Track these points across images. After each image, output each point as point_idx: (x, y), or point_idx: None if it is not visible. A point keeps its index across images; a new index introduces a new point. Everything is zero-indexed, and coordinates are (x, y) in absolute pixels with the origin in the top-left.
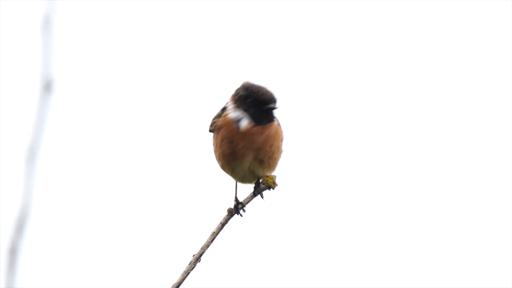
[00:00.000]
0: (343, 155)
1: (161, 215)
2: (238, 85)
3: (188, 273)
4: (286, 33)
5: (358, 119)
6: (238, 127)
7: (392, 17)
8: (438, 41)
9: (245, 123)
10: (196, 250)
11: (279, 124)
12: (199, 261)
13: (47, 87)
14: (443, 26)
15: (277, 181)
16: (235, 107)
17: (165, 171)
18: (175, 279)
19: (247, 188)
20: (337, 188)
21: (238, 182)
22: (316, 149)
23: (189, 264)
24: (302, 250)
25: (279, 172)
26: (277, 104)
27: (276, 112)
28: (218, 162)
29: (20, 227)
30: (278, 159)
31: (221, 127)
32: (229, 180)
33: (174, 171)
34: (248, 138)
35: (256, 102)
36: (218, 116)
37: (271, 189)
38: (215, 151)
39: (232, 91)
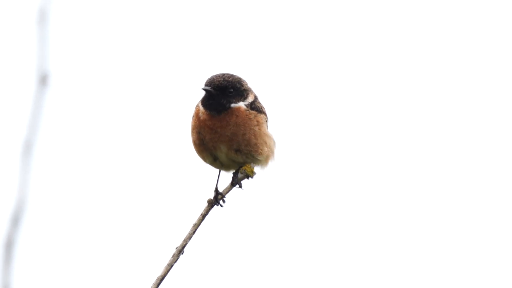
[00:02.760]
0: (327, 148)
1: (142, 209)
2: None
3: (172, 266)
4: (285, 33)
5: (350, 117)
6: (202, 118)
7: (392, 17)
8: (438, 41)
9: (203, 113)
10: (179, 243)
11: (253, 107)
12: (182, 253)
13: (43, 80)
14: (443, 26)
15: (255, 170)
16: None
17: (146, 165)
18: (159, 272)
19: (227, 179)
20: (318, 177)
21: (221, 171)
22: (298, 140)
23: (172, 257)
24: (282, 238)
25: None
26: (214, 87)
27: (227, 96)
28: (193, 147)
29: (16, 221)
30: (262, 144)
31: (192, 117)
32: (210, 170)
33: (155, 165)
34: (213, 131)
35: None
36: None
37: (250, 178)
38: (191, 136)
39: None
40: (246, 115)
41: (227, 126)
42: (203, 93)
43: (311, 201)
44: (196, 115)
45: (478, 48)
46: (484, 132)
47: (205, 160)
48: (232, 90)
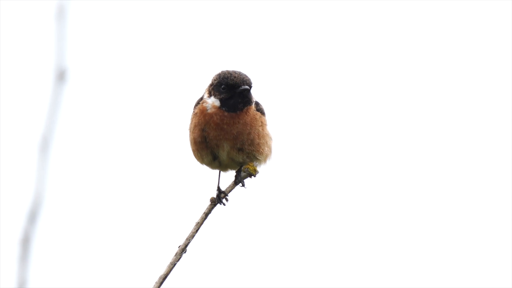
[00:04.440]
0: (328, 145)
1: (146, 207)
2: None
3: (175, 264)
4: (285, 33)
5: (351, 116)
6: (210, 115)
7: (392, 17)
8: (438, 41)
9: (214, 109)
10: (182, 241)
11: (258, 109)
12: (185, 252)
13: (61, 76)
14: (443, 26)
15: (258, 168)
16: (209, 95)
17: (151, 164)
18: (162, 270)
19: (229, 177)
20: (320, 176)
21: (221, 171)
22: (300, 139)
23: (175, 255)
24: (285, 237)
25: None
26: (250, 85)
27: (250, 94)
28: (191, 146)
29: (33, 217)
30: (263, 144)
31: (196, 114)
32: (211, 170)
33: (157, 164)
34: (219, 128)
35: (229, 87)
36: (197, 103)
37: (253, 176)
38: (189, 135)
39: (209, 81)
40: (254, 115)
41: (235, 124)
42: (201, 92)
43: (313, 199)
44: (201, 112)
45: (478, 48)
46: (484, 132)
47: (202, 160)
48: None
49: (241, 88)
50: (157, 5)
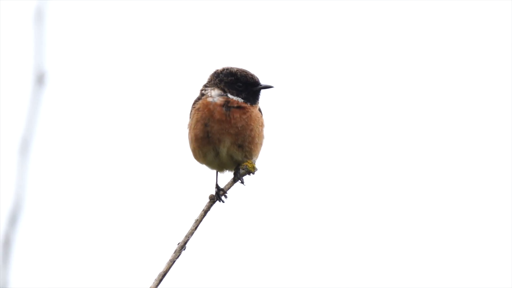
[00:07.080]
0: (326, 144)
1: (144, 205)
2: (212, 71)
3: (174, 262)
4: (285, 32)
5: (349, 115)
6: (214, 109)
7: (392, 17)
8: (438, 41)
9: (234, 104)
10: (181, 238)
11: (259, 110)
12: (184, 249)
13: (40, 79)
14: (443, 26)
15: (256, 165)
16: (215, 90)
17: (147, 162)
18: (161, 268)
19: (227, 175)
20: (317, 173)
21: (217, 171)
22: (298, 138)
23: (174, 253)
24: (283, 233)
25: (261, 158)
26: (268, 85)
27: (261, 93)
28: (190, 145)
29: (13, 219)
30: (259, 145)
31: (198, 110)
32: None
33: (156, 161)
34: (225, 122)
35: (246, 85)
36: (198, 99)
37: (251, 174)
38: (189, 133)
39: (206, 78)
40: (257, 113)
41: (242, 116)
42: (197, 90)
43: (312, 197)
44: (205, 106)
45: (478, 48)
46: (484, 132)
47: (204, 158)
48: None
49: (259, 86)
50: (141, 5)
